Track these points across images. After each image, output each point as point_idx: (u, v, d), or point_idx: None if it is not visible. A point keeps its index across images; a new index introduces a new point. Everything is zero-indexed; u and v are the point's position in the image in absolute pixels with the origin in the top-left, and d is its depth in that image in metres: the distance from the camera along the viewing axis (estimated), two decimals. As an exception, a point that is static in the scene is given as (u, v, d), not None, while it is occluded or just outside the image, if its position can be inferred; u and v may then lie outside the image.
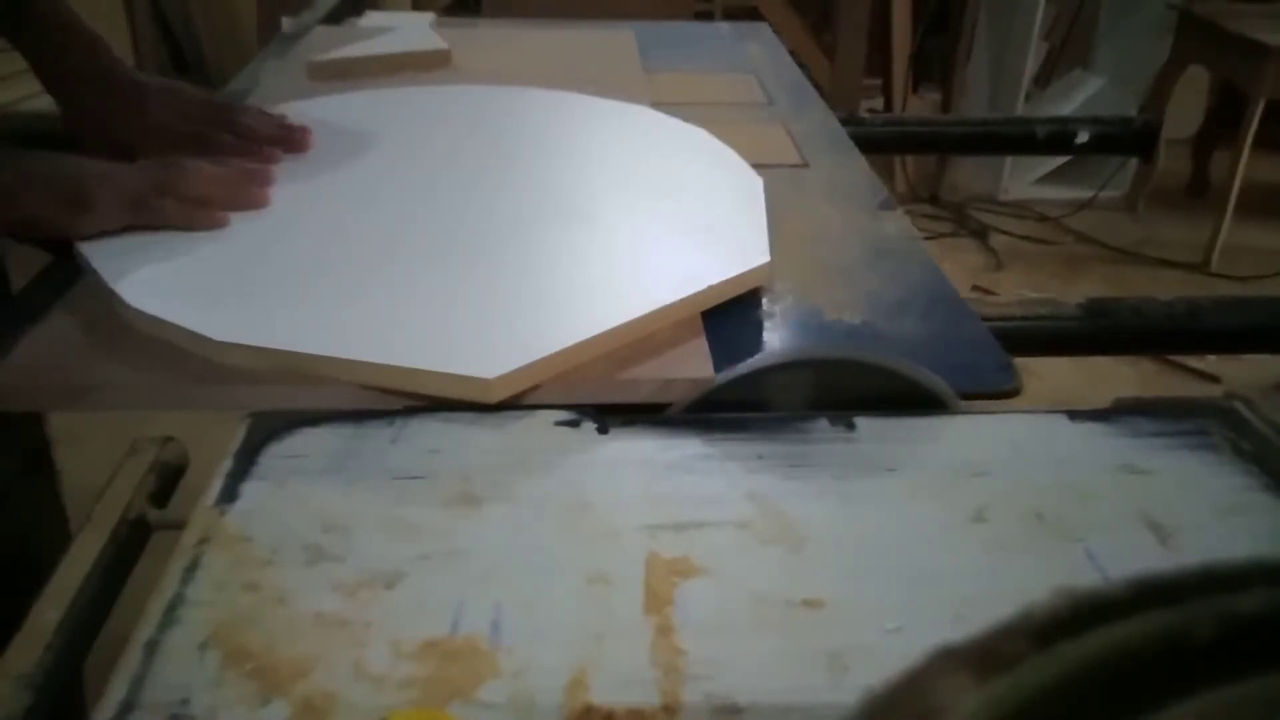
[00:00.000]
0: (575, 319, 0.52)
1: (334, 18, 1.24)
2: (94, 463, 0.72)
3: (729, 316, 0.57)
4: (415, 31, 1.10)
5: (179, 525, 0.43)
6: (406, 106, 0.86)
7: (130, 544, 0.45)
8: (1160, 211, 2.69)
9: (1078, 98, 2.70)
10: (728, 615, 0.38)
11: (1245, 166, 2.32)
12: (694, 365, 0.52)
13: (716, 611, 0.38)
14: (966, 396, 0.51)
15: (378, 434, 0.48)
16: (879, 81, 2.78)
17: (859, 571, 0.40)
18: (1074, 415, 0.50)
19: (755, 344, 0.56)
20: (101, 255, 0.58)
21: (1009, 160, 2.72)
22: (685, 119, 0.84)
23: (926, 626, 0.37)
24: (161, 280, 0.56)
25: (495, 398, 0.48)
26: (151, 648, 0.36)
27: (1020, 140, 1.15)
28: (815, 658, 0.36)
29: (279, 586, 0.39)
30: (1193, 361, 2.00)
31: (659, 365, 0.52)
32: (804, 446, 0.47)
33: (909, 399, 0.50)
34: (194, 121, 0.72)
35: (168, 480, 0.49)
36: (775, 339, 0.57)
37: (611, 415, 0.49)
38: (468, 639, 0.36)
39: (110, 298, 0.55)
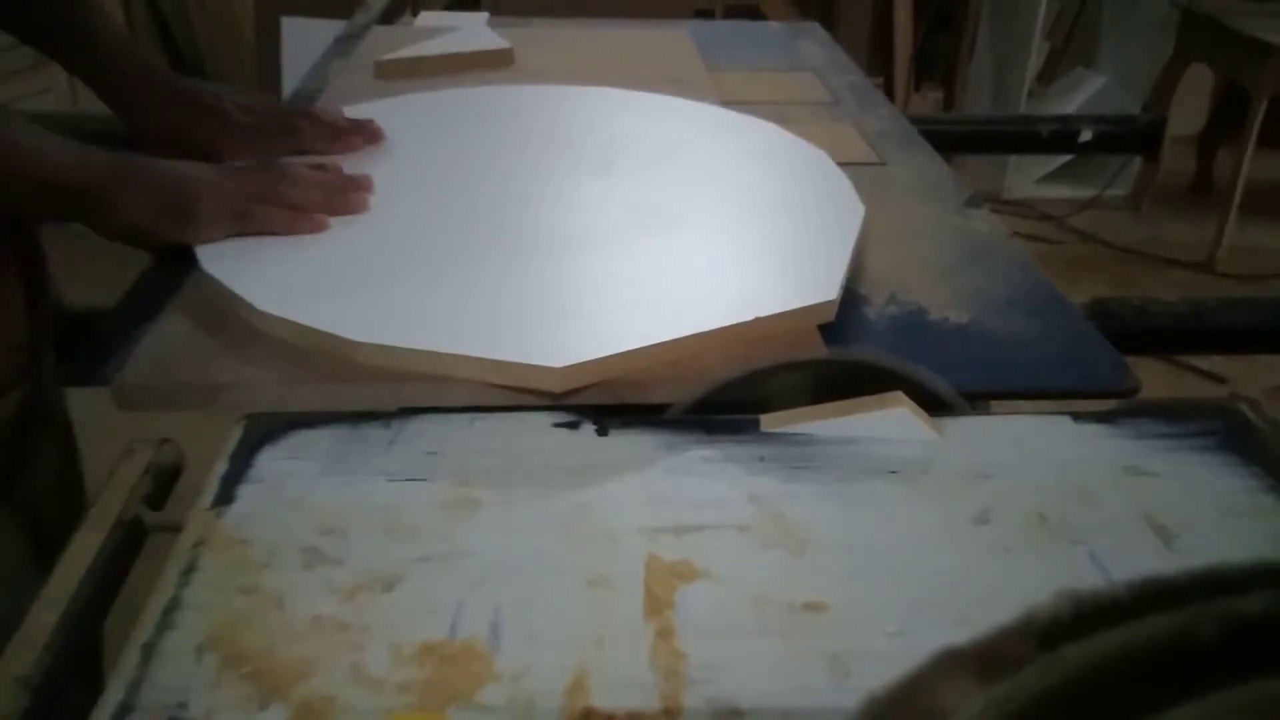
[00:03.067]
0: (637, 327, 0.52)
1: (386, 18, 1.25)
2: (92, 463, 0.72)
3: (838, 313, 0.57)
4: (476, 31, 1.11)
5: (175, 528, 0.43)
6: (487, 106, 0.86)
7: (126, 546, 0.45)
8: (1164, 210, 2.69)
9: (1080, 96, 2.69)
10: (729, 618, 0.38)
11: (1249, 165, 2.32)
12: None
13: (717, 614, 0.38)
14: (1082, 396, 0.51)
15: (375, 436, 0.47)
16: (881, 80, 2.78)
17: (861, 574, 0.40)
18: (1077, 417, 0.50)
19: (867, 341, 0.55)
20: (215, 258, 0.58)
21: (1012, 159, 2.72)
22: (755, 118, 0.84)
23: (929, 629, 0.37)
24: (280, 282, 0.56)
25: (560, 388, 0.49)
26: (149, 650, 0.36)
27: (1023, 139, 1.15)
28: (817, 661, 0.36)
29: (276, 589, 0.38)
30: (1198, 362, 2.00)
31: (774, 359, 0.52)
32: (805, 448, 0.47)
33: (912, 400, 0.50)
34: (270, 123, 0.73)
35: (163, 482, 0.48)
36: (883, 338, 0.56)
37: (611, 416, 0.49)
38: (466, 642, 0.36)
39: (233, 301, 0.55)
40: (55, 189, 0.56)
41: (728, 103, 0.90)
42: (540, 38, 1.12)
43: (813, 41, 1.21)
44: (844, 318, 0.57)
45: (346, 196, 0.65)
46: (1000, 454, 0.47)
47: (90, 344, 0.53)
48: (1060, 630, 0.17)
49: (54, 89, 2.20)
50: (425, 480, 0.45)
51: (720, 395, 0.50)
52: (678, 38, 1.17)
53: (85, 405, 0.71)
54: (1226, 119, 2.64)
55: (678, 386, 0.50)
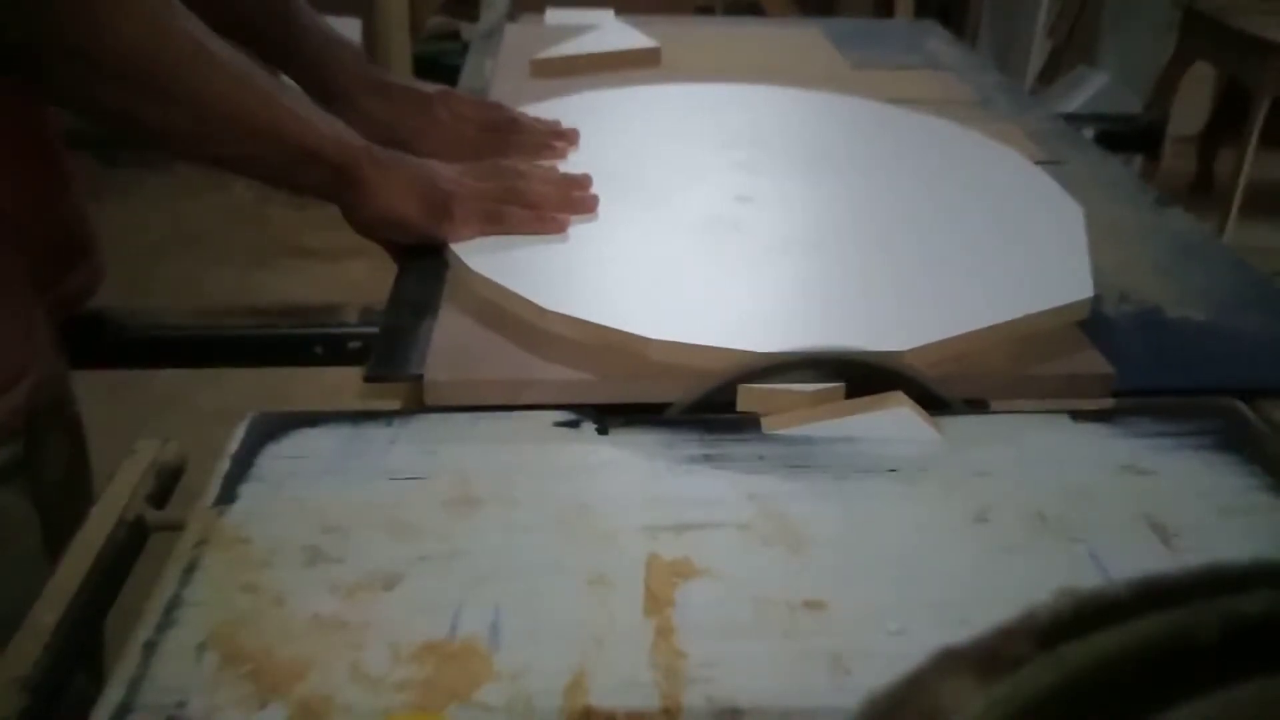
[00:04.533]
0: (925, 321, 0.53)
1: (510, 16, 1.26)
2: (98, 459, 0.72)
3: None
4: (619, 29, 1.11)
5: (177, 526, 0.43)
6: (670, 103, 0.87)
7: (128, 545, 0.45)
8: (1165, 209, 2.68)
9: (1082, 95, 2.69)
10: (729, 617, 0.38)
11: (1251, 164, 2.31)
12: (1093, 363, 0.53)
13: (717, 613, 0.38)
14: None
15: (376, 434, 0.47)
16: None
17: (860, 573, 0.40)
18: (1077, 415, 0.50)
19: (1117, 339, 0.55)
20: (476, 258, 0.59)
21: (1013, 158, 2.71)
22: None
23: (929, 628, 0.37)
24: (554, 282, 0.56)
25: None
26: (149, 649, 0.36)
27: (1026, 137, 1.15)
28: (817, 660, 0.36)
29: (277, 588, 0.38)
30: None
31: (1057, 364, 0.53)
32: (805, 447, 0.47)
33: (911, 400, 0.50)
34: (478, 124, 0.73)
35: (166, 481, 0.49)
36: (1132, 337, 0.56)
37: (612, 415, 0.49)
38: (466, 641, 0.36)
39: (511, 299, 0.56)
40: (316, 159, 0.56)
41: (884, 102, 0.89)
42: (673, 35, 1.11)
43: (939, 40, 1.20)
44: (1090, 317, 0.57)
45: (579, 196, 0.66)
46: (1000, 453, 0.47)
47: (381, 341, 0.54)
48: (1060, 629, 0.17)
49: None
50: (426, 479, 0.45)
51: (720, 394, 0.50)
52: (812, 35, 1.17)
53: (90, 404, 0.71)
54: (1228, 118, 2.63)
55: (677, 386, 0.50)
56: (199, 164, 0.58)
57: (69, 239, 0.65)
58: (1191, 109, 2.68)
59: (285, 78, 0.68)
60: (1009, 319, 0.54)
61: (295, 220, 0.62)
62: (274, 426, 0.48)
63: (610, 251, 0.61)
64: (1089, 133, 1.06)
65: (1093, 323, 0.56)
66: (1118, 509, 0.43)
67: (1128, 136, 1.10)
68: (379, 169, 0.58)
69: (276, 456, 0.46)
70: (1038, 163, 0.77)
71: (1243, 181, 2.33)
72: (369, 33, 2.77)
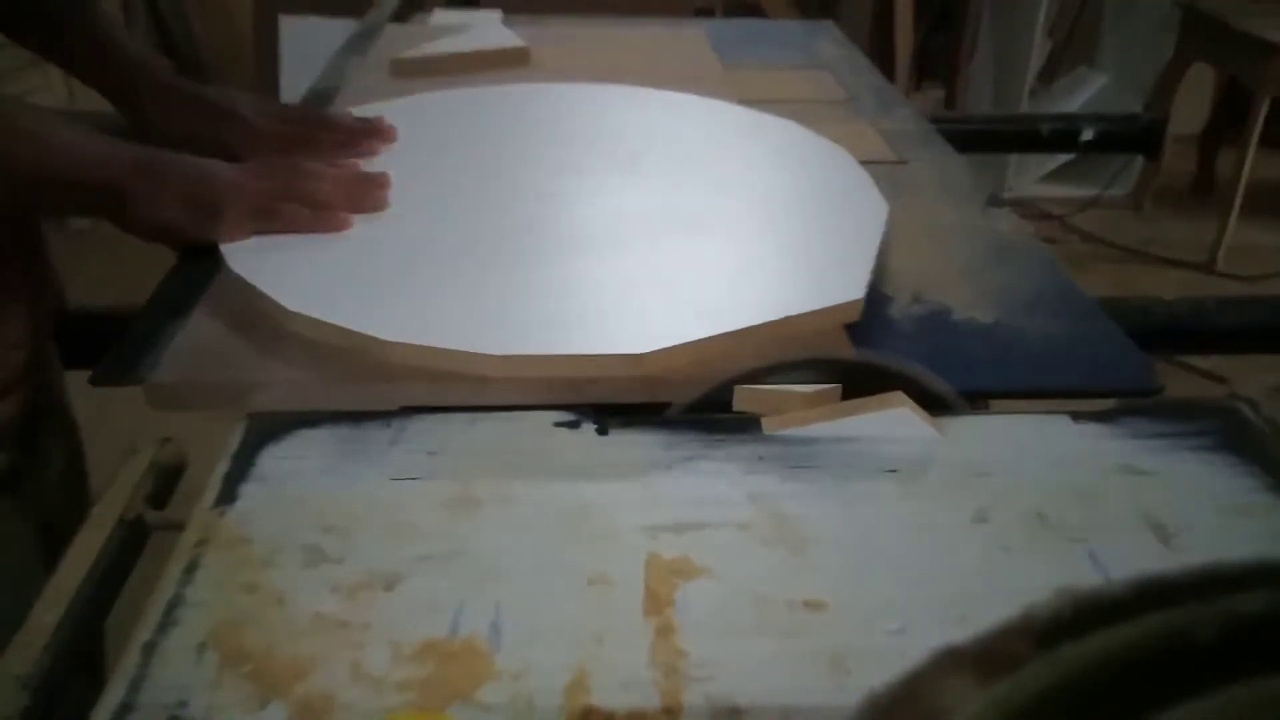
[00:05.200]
0: (671, 325, 0.52)
1: (399, 16, 1.25)
2: (96, 461, 0.72)
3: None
4: (491, 29, 1.11)
5: (178, 526, 0.43)
6: (507, 104, 0.86)
7: (129, 545, 0.45)
8: (1165, 210, 2.69)
9: (1082, 95, 2.69)
10: (728, 616, 0.38)
11: (1251, 164, 2.32)
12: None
13: (717, 613, 0.38)
14: (1107, 395, 0.51)
15: (376, 435, 0.47)
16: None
17: (860, 572, 0.40)
18: (1076, 416, 0.50)
19: (893, 341, 0.55)
20: (240, 258, 0.58)
21: (1013, 158, 2.71)
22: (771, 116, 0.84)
23: (928, 627, 0.37)
24: (308, 282, 0.56)
25: (647, 371, 0.50)
26: (150, 649, 0.36)
27: (1024, 138, 1.15)
28: (817, 659, 0.36)
29: (278, 588, 0.39)
30: (1197, 361, 2.00)
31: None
32: (804, 447, 0.47)
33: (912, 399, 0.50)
34: (285, 122, 0.73)
35: (166, 481, 0.49)
36: (908, 337, 0.56)
37: (611, 415, 0.49)
38: (467, 640, 0.36)
39: (263, 301, 0.55)
40: (83, 187, 0.55)
41: (745, 101, 0.90)
42: (554, 36, 1.12)
43: (829, 40, 1.21)
44: (869, 317, 0.57)
45: (367, 194, 0.65)
46: (1000, 453, 0.47)
47: (122, 343, 0.53)
48: (1059, 629, 0.17)
49: (50, 88, 2.20)
50: (426, 479, 0.45)
51: (720, 394, 0.50)
52: (692, 36, 1.17)
53: (90, 404, 0.71)
54: (1228, 118, 2.63)
55: (677, 386, 0.50)
56: None
57: (36, 250, 0.65)
58: (1192, 109, 2.68)
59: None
60: (767, 320, 0.53)
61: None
62: (274, 427, 0.48)
63: (369, 252, 0.60)
64: (1088, 133, 1.06)
65: (872, 325, 0.56)
66: (1117, 509, 0.43)
67: (1128, 137, 1.10)
68: (145, 177, 0.57)
69: (277, 457, 0.46)
70: (876, 162, 0.77)
71: (1243, 182, 2.33)
72: (368, 35, 2.77)
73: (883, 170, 0.76)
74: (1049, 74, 2.84)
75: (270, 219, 0.61)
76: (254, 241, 0.60)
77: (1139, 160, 2.64)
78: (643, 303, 0.55)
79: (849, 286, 0.57)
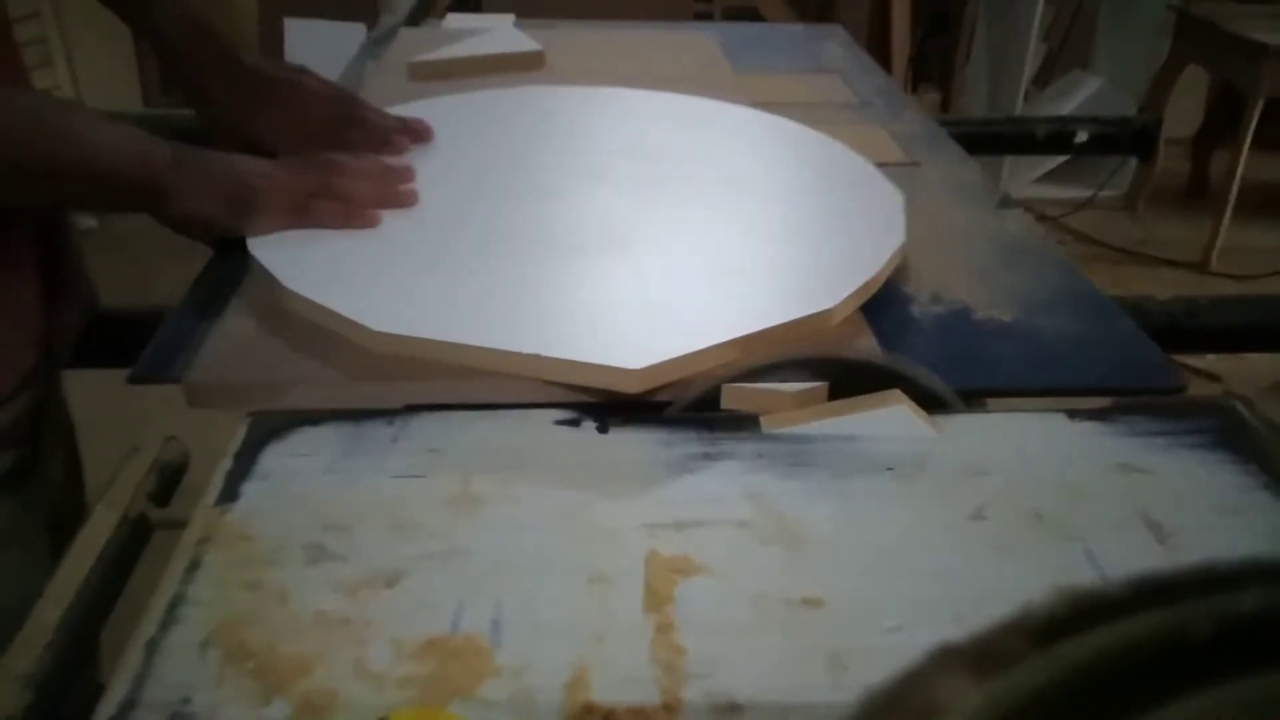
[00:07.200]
0: (699, 327, 0.52)
1: (412, 20, 1.26)
2: (93, 463, 0.72)
3: (882, 313, 0.58)
4: (505, 33, 1.11)
5: (180, 524, 0.43)
6: (524, 106, 0.87)
7: (131, 543, 0.45)
8: (1159, 211, 2.70)
9: (1077, 98, 2.70)
10: (728, 614, 0.38)
11: (1244, 166, 2.32)
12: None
13: (716, 610, 0.38)
14: (1132, 394, 0.52)
15: (378, 433, 0.48)
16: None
17: (858, 570, 0.40)
18: (1073, 414, 0.50)
19: (915, 340, 0.56)
20: (270, 255, 0.58)
21: (1008, 160, 2.72)
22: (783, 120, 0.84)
23: (926, 625, 0.37)
24: (335, 279, 0.56)
25: (637, 388, 0.49)
26: (153, 646, 0.36)
27: (1019, 140, 1.15)
28: (815, 656, 0.36)
29: (280, 585, 0.39)
30: (1192, 361, 2.00)
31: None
32: (803, 445, 0.47)
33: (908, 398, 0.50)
34: (321, 117, 0.73)
35: (169, 479, 0.49)
36: (931, 336, 0.57)
37: (611, 414, 0.49)
38: (468, 638, 0.37)
39: (290, 297, 0.55)
40: (119, 182, 0.56)
41: (756, 105, 0.90)
42: (566, 40, 1.12)
43: (836, 44, 1.21)
44: (892, 316, 0.58)
45: (396, 189, 0.66)
46: (997, 451, 0.47)
47: (157, 342, 0.54)
48: (1056, 627, 0.17)
49: (59, 89, 2.19)
50: (428, 477, 0.45)
51: (719, 394, 0.50)
52: (701, 40, 1.17)
53: (92, 399, 0.71)
54: (1221, 121, 2.64)
55: (676, 385, 0.51)
56: (15, 210, 0.58)
57: (67, 251, 0.65)
58: (1185, 112, 2.69)
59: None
60: (768, 326, 0.53)
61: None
62: (276, 425, 0.48)
63: (407, 251, 0.60)
64: (1083, 136, 1.06)
65: (892, 323, 0.57)
66: (1114, 507, 0.44)
67: (1122, 139, 1.11)
68: (182, 172, 0.58)
69: (279, 455, 0.46)
70: (889, 164, 0.77)
71: (1236, 183, 2.34)
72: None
73: (896, 172, 0.76)
74: (1044, 77, 2.84)
75: (304, 215, 0.61)
76: (276, 237, 0.61)
77: (1133, 162, 2.64)
78: (668, 307, 0.55)
79: (828, 294, 0.56)
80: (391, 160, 0.70)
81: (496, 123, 0.82)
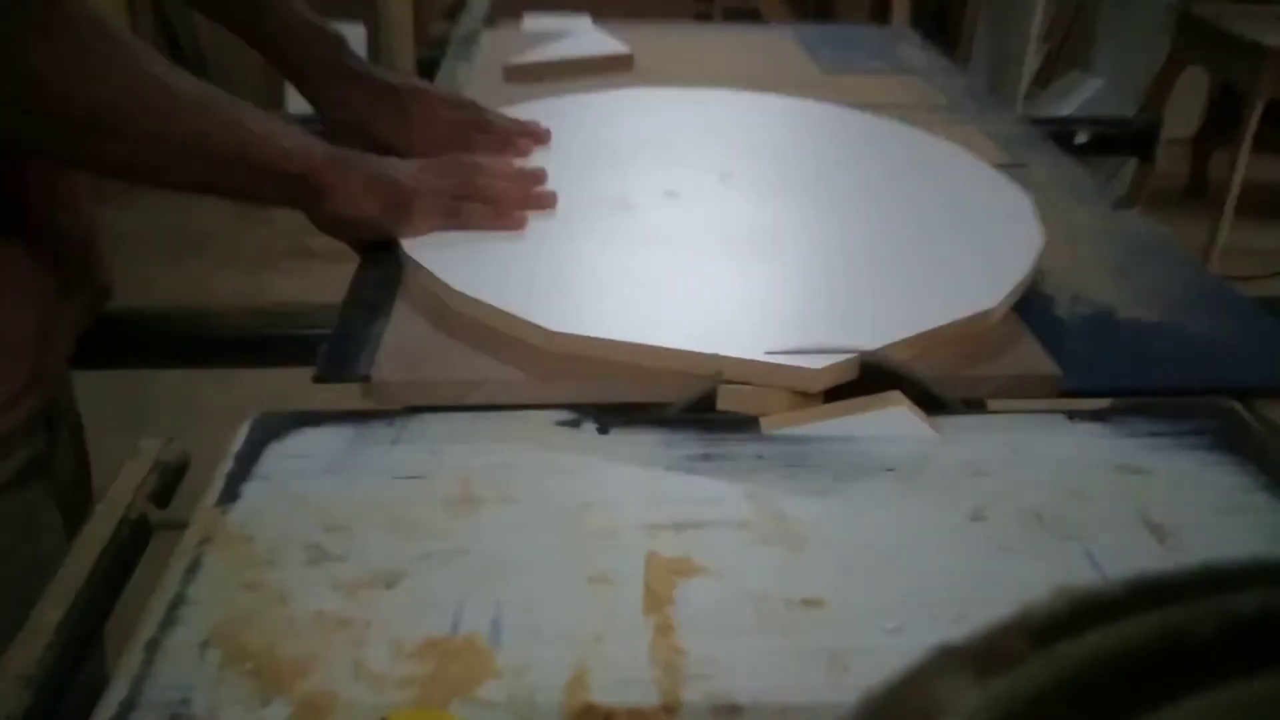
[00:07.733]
0: (870, 326, 0.53)
1: (488, 21, 1.27)
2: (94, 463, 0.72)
3: (1027, 315, 0.57)
4: (592, 35, 1.12)
5: (180, 525, 0.43)
6: (637, 108, 0.87)
7: (131, 544, 0.45)
8: (1159, 212, 2.69)
9: (1077, 98, 2.69)
10: (727, 615, 0.38)
11: (1244, 167, 2.32)
12: (1038, 363, 0.53)
13: (716, 611, 0.38)
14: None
15: (378, 434, 0.48)
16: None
17: (858, 571, 0.40)
18: (1073, 415, 0.50)
19: (1066, 341, 0.55)
20: (430, 258, 0.59)
21: (1008, 160, 2.71)
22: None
23: (926, 626, 0.37)
24: (503, 281, 0.57)
25: (818, 388, 0.49)
26: (152, 647, 0.36)
27: (1020, 140, 1.15)
28: (815, 657, 0.36)
29: (280, 586, 0.39)
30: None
31: (999, 364, 0.53)
32: (803, 446, 0.47)
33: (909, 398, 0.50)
34: (449, 121, 0.74)
35: (169, 480, 0.49)
36: (1083, 339, 0.56)
37: (612, 415, 0.49)
38: (468, 638, 0.37)
39: (457, 298, 0.56)
40: (280, 176, 0.57)
41: (851, 106, 0.89)
42: (646, 41, 1.12)
43: (910, 45, 1.21)
44: (1038, 317, 0.57)
45: (535, 191, 0.66)
46: (996, 452, 0.47)
47: (333, 344, 0.54)
48: (1056, 627, 0.17)
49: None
50: (428, 478, 0.45)
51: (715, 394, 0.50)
52: (783, 41, 1.17)
53: (94, 399, 0.71)
54: (1221, 121, 2.64)
55: (677, 385, 0.51)
56: (164, 190, 0.58)
57: (85, 243, 0.66)
58: (1185, 113, 2.69)
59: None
60: (930, 329, 0.53)
61: (300, 222, 0.62)
62: (277, 426, 0.48)
63: (560, 251, 0.61)
64: (1083, 136, 1.06)
65: (1044, 324, 0.57)
66: (1114, 508, 0.44)
67: (1122, 140, 1.11)
68: (339, 172, 0.59)
69: (279, 455, 0.46)
70: (999, 166, 0.77)
71: (1236, 184, 2.34)
72: (373, 38, 2.77)
73: (1009, 175, 0.75)
74: (1044, 78, 2.84)
75: (454, 217, 0.62)
76: (428, 239, 0.61)
77: (1133, 163, 2.64)
78: (833, 307, 0.55)
79: (988, 293, 0.57)
80: (521, 163, 0.71)
81: (607, 124, 0.83)
